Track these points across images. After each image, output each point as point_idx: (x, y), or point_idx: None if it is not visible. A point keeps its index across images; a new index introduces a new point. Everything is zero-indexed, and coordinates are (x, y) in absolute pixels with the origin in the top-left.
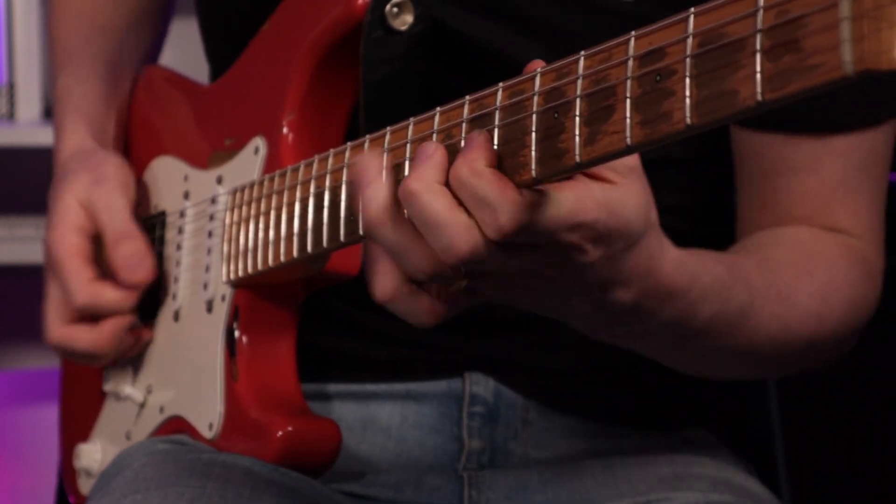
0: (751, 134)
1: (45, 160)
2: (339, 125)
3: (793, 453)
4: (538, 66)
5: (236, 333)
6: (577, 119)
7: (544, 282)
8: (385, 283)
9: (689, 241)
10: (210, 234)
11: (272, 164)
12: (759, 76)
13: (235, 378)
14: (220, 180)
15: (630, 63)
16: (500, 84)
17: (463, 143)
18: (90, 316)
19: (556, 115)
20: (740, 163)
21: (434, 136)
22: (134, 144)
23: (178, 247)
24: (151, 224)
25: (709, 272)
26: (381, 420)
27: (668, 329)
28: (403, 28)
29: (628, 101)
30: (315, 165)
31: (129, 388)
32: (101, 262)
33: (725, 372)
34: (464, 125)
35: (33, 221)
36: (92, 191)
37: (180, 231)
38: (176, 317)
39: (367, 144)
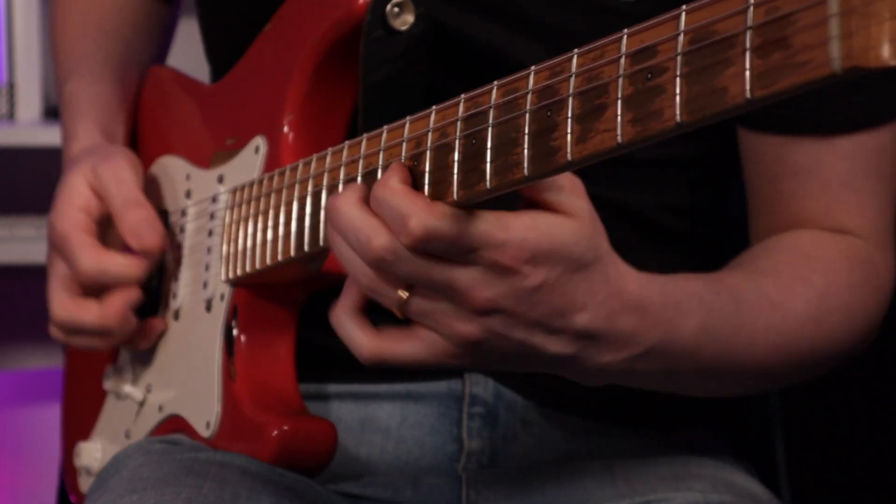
0: (753, 136)
1: (45, 160)
2: (340, 125)
3: (793, 454)
4: None
5: (235, 333)
6: (570, 117)
7: (504, 318)
8: (338, 304)
9: (690, 241)
10: (210, 233)
11: (273, 163)
12: (748, 73)
13: (233, 377)
14: (221, 179)
15: (622, 61)
16: (495, 82)
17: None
18: (97, 293)
19: (549, 113)
20: (746, 168)
21: (430, 133)
22: (139, 144)
23: (180, 245)
24: None
25: (681, 286)
26: (381, 420)
27: (657, 352)
28: (404, 28)
29: (619, 98)
30: (313, 164)
31: (129, 387)
32: (107, 244)
33: (735, 388)
34: (459, 123)
35: (33, 221)
36: (99, 166)
37: (182, 230)
38: (176, 315)
39: (364, 142)
